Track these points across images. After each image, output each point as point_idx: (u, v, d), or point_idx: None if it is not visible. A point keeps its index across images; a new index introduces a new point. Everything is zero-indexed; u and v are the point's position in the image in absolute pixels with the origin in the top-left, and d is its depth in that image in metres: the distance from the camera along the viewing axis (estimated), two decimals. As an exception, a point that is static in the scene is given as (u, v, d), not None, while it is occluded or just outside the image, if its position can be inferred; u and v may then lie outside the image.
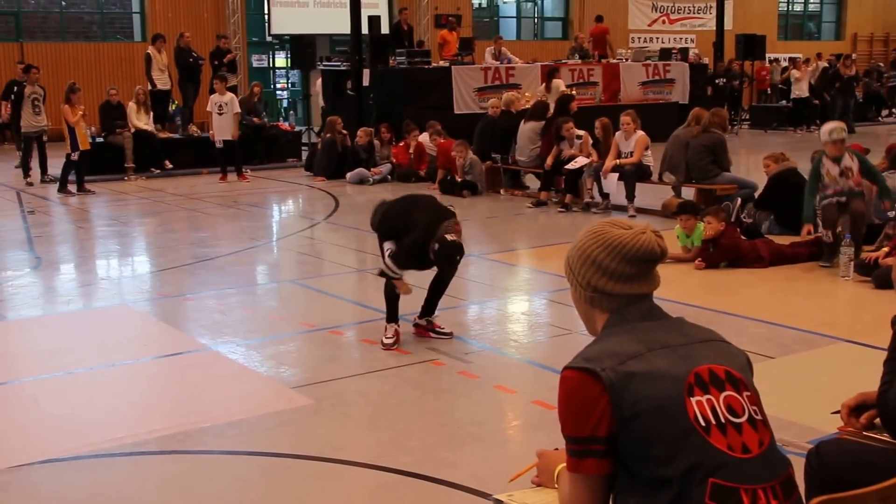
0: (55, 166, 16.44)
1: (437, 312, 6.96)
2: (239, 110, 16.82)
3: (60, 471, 4.70)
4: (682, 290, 8.17)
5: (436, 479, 4.43)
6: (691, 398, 2.31)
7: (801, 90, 25.78)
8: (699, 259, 8.97)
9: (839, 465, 2.98)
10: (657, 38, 35.22)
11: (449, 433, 5.04)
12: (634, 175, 12.09)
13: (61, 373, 6.27)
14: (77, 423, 5.37)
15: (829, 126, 8.97)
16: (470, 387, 5.81)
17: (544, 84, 19.48)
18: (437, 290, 6.87)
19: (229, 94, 16.79)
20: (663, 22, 37.02)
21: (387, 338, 6.66)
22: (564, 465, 2.45)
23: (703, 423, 2.28)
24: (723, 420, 2.31)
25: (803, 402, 5.43)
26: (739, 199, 10.77)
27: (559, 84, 19.33)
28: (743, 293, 8.21)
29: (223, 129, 16.74)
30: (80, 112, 15.32)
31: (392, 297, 6.72)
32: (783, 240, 9.58)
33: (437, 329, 6.91)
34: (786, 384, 5.86)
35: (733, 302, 7.78)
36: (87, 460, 4.80)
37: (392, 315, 6.75)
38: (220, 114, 16.66)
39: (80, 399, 5.80)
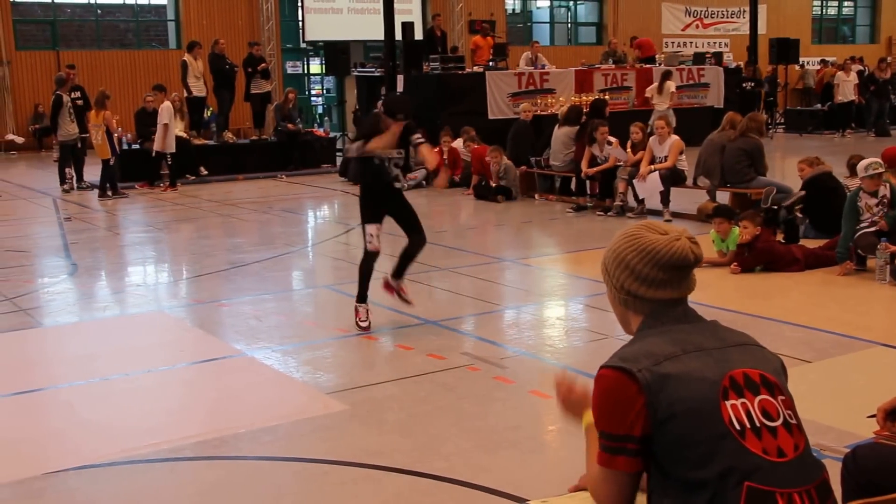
0: (91, 173, 16.63)
1: (404, 278, 7.49)
2: (167, 122, 16.47)
3: (96, 477, 4.71)
4: (717, 295, 8.10)
5: (471, 485, 4.41)
6: (726, 401, 2.30)
7: (844, 94, 25.48)
8: (735, 263, 8.90)
9: (875, 469, 2.95)
10: (691, 43, 35.05)
11: (484, 438, 5.01)
12: (669, 179, 12.02)
13: (97, 379, 6.30)
14: (113, 429, 5.38)
15: (865, 162, 8.86)
16: (506, 392, 5.78)
17: (656, 84, 19.74)
18: (405, 255, 7.41)
19: (166, 104, 16.60)
20: (697, 26, 36.86)
21: (361, 321, 7.18)
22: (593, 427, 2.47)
23: (738, 427, 2.28)
24: (758, 424, 2.31)
25: (840, 405, 5.36)
26: (775, 189, 10.67)
27: (670, 86, 19.50)
28: (779, 297, 8.13)
29: (157, 140, 16.59)
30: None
31: (366, 274, 7.20)
32: (818, 244, 9.49)
33: (402, 294, 7.45)
34: (822, 388, 5.80)
35: (769, 306, 7.70)
36: (123, 466, 4.82)
37: (363, 295, 7.21)
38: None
39: (115, 405, 5.82)
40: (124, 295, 8.99)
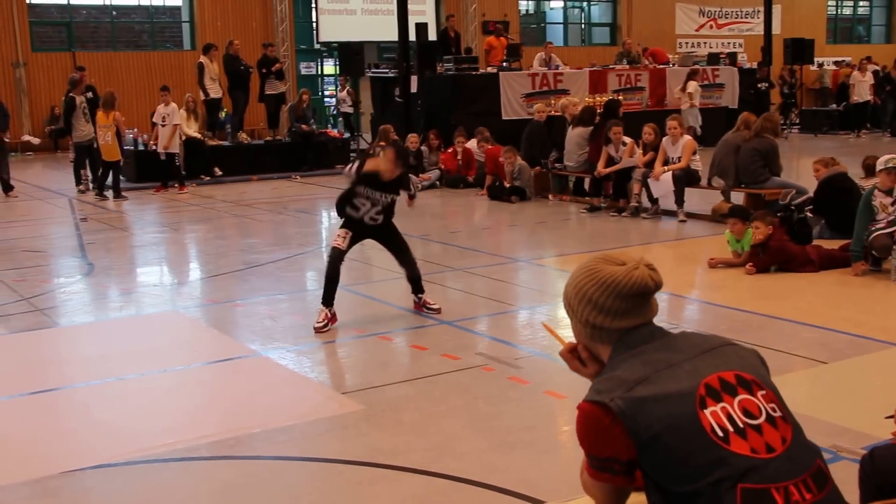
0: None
1: (424, 292, 7.75)
2: (178, 122, 16.65)
3: (112, 476, 4.73)
4: (733, 296, 8.10)
5: (486, 485, 4.41)
6: (704, 410, 2.32)
7: (860, 94, 25.41)
8: (750, 264, 8.88)
9: (893, 470, 2.94)
10: (705, 43, 34.98)
11: (499, 439, 5.01)
12: (683, 180, 12.00)
13: (113, 379, 6.32)
14: (128, 428, 5.40)
15: (885, 157, 8.83)
16: (520, 392, 5.78)
17: (683, 84, 20.38)
18: (410, 280, 7.69)
19: (172, 106, 16.71)
20: (711, 27, 36.79)
21: (317, 322, 7.24)
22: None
23: (720, 434, 2.30)
24: (741, 425, 2.32)
25: (856, 407, 5.35)
26: (795, 190, 10.63)
27: (693, 86, 19.71)
28: (794, 298, 8.11)
29: (164, 140, 16.70)
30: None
31: (330, 277, 7.31)
32: (833, 244, 9.46)
33: (428, 305, 7.68)
34: (838, 389, 5.79)
35: (784, 307, 7.68)
36: (139, 466, 4.83)
37: (329, 298, 7.31)
38: (164, 125, 16.68)
39: (131, 405, 5.84)
40: (140, 295, 9.02)
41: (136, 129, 18.73)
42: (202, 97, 18.85)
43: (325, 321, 7.25)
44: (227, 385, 6.28)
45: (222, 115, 20.80)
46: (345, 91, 24.00)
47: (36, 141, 25.42)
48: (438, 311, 7.62)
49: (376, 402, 5.63)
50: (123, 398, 5.96)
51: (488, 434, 5.09)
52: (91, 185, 16.84)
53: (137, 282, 9.80)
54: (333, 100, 31.40)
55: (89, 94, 16.85)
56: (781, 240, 9.00)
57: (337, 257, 7.41)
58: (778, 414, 2.39)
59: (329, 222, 14.00)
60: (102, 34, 27.97)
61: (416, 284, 7.71)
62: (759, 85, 24.33)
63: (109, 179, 16.11)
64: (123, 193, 16.09)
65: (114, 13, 28.05)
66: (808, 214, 10.13)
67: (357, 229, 7.51)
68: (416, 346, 6.83)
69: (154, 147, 16.96)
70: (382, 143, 7.63)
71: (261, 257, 10.42)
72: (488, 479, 4.46)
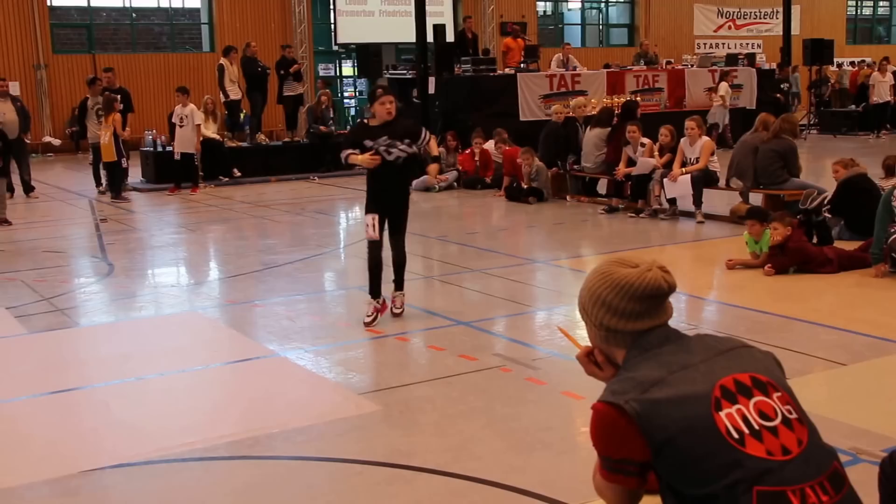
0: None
1: (402, 290, 7.68)
2: (199, 122, 16.75)
3: (131, 475, 4.76)
4: (751, 297, 8.07)
5: (504, 486, 4.41)
6: (720, 412, 2.33)
7: (880, 95, 25.29)
8: (768, 265, 8.85)
9: None
10: (723, 44, 34.89)
11: (517, 439, 5.02)
12: (701, 181, 11.97)
13: (132, 378, 6.35)
14: (147, 428, 5.43)
15: None
16: (537, 393, 5.79)
17: (716, 84, 20.75)
18: (393, 264, 7.61)
19: (190, 106, 16.78)
20: (729, 27, 36.70)
21: (367, 315, 7.39)
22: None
23: (736, 436, 2.30)
24: (756, 427, 2.32)
25: (876, 409, 5.32)
26: (816, 191, 10.57)
27: (724, 87, 19.87)
28: (813, 299, 8.08)
29: (183, 142, 16.76)
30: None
31: (372, 268, 7.43)
32: (853, 245, 9.42)
33: (393, 307, 7.62)
34: (858, 391, 5.77)
35: (803, 308, 7.65)
36: (158, 465, 4.86)
37: (373, 289, 7.43)
38: (182, 126, 16.74)
39: (150, 405, 5.87)
40: (159, 295, 9.06)
41: (154, 131, 18.80)
42: (222, 99, 18.93)
43: (375, 314, 7.43)
44: (245, 385, 6.31)
45: (241, 116, 20.87)
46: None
47: (56, 142, 25.53)
48: (398, 314, 7.58)
49: (394, 403, 5.65)
50: (143, 398, 5.99)
51: (506, 435, 5.10)
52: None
53: (156, 282, 9.85)
54: (352, 101, 31.51)
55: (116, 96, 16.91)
56: (800, 241, 8.97)
57: (375, 247, 7.45)
58: (794, 416, 2.39)
59: (347, 224, 14.03)
60: (122, 36, 28.11)
61: (395, 275, 7.60)
62: (782, 86, 24.27)
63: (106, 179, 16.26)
64: (124, 195, 16.15)
65: (134, 15, 28.19)
66: (827, 215, 10.08)
67: (379, 201, 7.41)
68: (434, 347, 6.84)
69: (171, 148, 17.09)
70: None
71: (279, 258, 10.45)
72: (506, 480, 4.46)
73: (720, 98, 21.29)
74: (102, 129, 15.94)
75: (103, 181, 16.99)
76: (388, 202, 7.46)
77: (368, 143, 7.32)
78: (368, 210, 7.45)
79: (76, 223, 13.96)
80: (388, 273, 7.60)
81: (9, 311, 8.22)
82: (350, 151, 7.39)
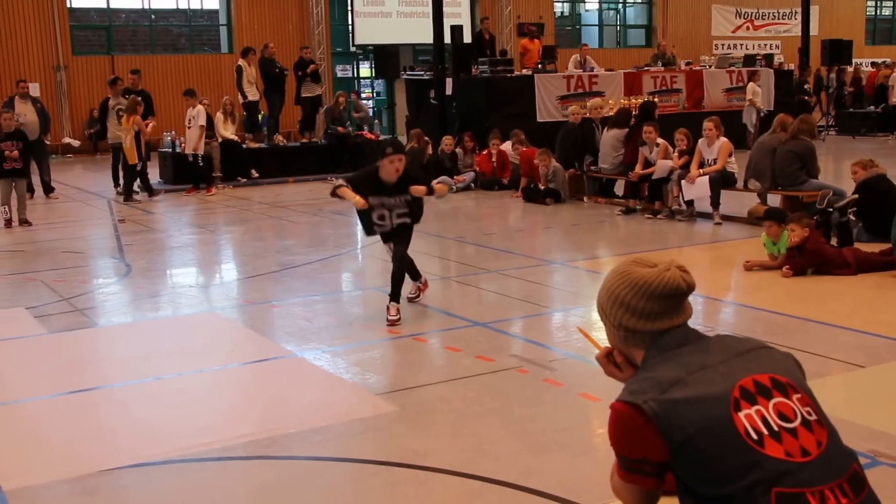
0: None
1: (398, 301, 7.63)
2: (203, 123, 16.82)
3: (149, 475, 4.78)
4: (769, 298, 8.05)
5: (521, 487, 4.41)
6: (739, 413, 2.31)
7: None
8: (786, 266, 8.82)
9: None
10: (741, 45, 34.78)
11: (534, 441, 5.02)
12: (719, 182, 11.94)
13: (150, 378, 6.38)
14: (165, 427, 5.45)
15: None
16: (554, 394, 5.78)
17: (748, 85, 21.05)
18: (392, 261, 7.69)
19: (198, 107, 16.89)
20: (747, 28, 36.59)
21: (391, 316, 7.45)
22: None
23: (755, 437, 2.29)
24: (776, 428, 2.31)
25: (894, 411, 5.30)
26: (831, 192, 10.54)
27: (752, 87, 19.90)
28: (831, 301, 8.05)
29: (190, 143, 16.94)
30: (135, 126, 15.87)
31: (398, 278, 7.55)
32: (872, 248, 9.38)
33: (389, 315, 7.53)
34: (877, 394, 5.74)
35: (822, 310, 7.63)
36: (176, 465, 4.88)
37: (395, 294, 7.54)
38: (189, 127, 16.85)
39: (168, 404, 5.89)
40: (177, 296, 9.10)
41: (173, 132, 18.89)
42: (240, 100, 19.00)
43: (417, 292, 8.03)
44: (262, 385, 6.33)
45: (259, 117, 20.95)
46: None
47: (76, 143, 25.73)
48: (395, 323, 7.45)
49: (410, 404, 5.66)
50: (161, 398, 6.02)
51: (522, 436, 5.10)
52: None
53: (174, 283, 9.89)
54: (370, 102, 31.57)
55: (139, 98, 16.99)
56: (818, 242, 8.93)
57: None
58: (813, 417, 2.37)
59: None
60: (141, 38, 28.24)
61: (396, 288, 7.57)
62: (805, 87, 24.19)
63: (128, 180, 16.37)
64: (136, 197, 16.28)
65: (153, 17, 28.32)
66: (851, 218, 10.04)
67: (383, 235, 7.78)
68: (451, 348, 6.84)
69: (183, 149, 17.25)
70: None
71: (296, 259, 10.48)
72: (523, 482, 4.46)
73: (748, 100, 21.36)
74: (123, 132, 16.03)
75: (121, 181, 17.08)
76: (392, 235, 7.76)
77: (372, 199, 7.50)
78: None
79: (95, 224, 14.03)
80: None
81: (29, 311, 8.27)
82: (343, 185, 7.61)
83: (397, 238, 7.68)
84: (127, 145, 15.90)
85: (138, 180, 16.43)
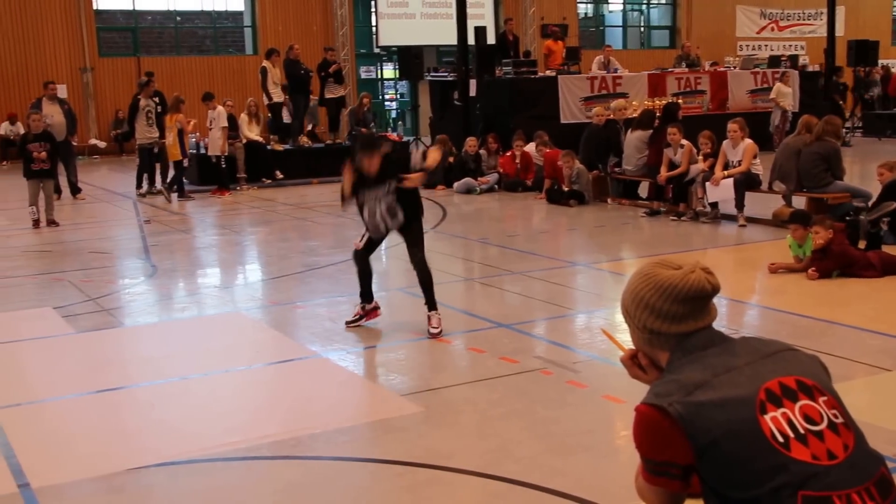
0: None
1: (436, 309, 7.37)
2: (225, 125, 16.90)
3: (175, 474, 4.82)
4: (795, 301, 8.01)
5: (545, 489, 4.42)
6: (764, 415, 2.30)
7: None
8: (812, 268, 8.78)
9: None
10: (766, 46, 34.60)
11: (558, 442, 5.03)
12: (744, 184, 11.89)
13: (176, 378, 6.43)
14: (191, 427, 5.50)
15: None
16: (578, 396, 5.79)
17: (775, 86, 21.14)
18: (422, 286, 7.36)
19: (218, 109, 16.97)
20: (772, 29, 36.39)
21: (433, 328, 7.21)
22: None
23: (780, 440, 2.27)
24: (802, 431, 2.29)
25: (923, 416, 5.27)
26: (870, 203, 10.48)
27: (780, 87, 19.96)
28: (857, 304, 8.00)
29: (212, 145, 17.04)
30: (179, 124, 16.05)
31: (358, 273, 7.48)
32: (897, 250, 9.33)
33: (430, 327, 7.27)
34: (905, 398, 5.71)
35: (847, 312, 7.59)
36: (201, 464, 4.91)
37: (362, 293, 7.52)
38: (210, 129, 16.96)
39: (193, 404, 5.94)
40: (202, 296, 9.16)
41: (198, 133, 19.00)
42: (265, 101, 19.08)
43: (359, 316, 7.56)
44: (287, 386, 6.36)
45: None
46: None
47: (102, 144, 25.92)
48: (437, 335, 7.20)
49: (435, 405, 5.67)
50: (186, 398, 6.06)
51: (546, 438, 5.10)
52: (152, 188, 17.10)
53: (200, 283, 9.94)
54: (394, 104, 31.63)
55: (157, 100, 17.09)
56: (843, 244, 8.89)
57: (358, 257, 7.62)
58: (840, 420, 2.36)
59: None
60: (167, 39, 28.41)
61: (425, 295, 7.33)
62: (841, 88, 24.07)
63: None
64: (188, 194, 16.53)
65: (178, 18, 28.48)
66: (883, 228, 9.95)
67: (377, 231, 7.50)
68: (475, 349, 6.85)
69: (204, 151, 17.42)
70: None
71: (321, 259, 10.52)
72: (546, 483, 4.47)
73: (775, 101, 21.31)
74: (166, 131, 16.25)
75: (144, 184, 17.19)
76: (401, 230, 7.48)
77: (360, 195, 7.37)
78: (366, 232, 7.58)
79: (121, 224, 14.13)
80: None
81: (56, 311, 8.35)
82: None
83: (409, 242, 7.44)
84: (170, 143, 16.08)
85: (171, 179, 16.60)
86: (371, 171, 7.17)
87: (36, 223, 13.38)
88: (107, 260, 11.04)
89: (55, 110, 16.41)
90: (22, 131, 18.50)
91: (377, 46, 30.43)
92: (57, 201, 14.81)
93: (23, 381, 6.53)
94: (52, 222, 13.42)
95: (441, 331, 7.22)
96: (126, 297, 9.09)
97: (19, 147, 14.61)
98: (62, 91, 20.48)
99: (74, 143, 17.80)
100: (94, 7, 26.71)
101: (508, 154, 16.69)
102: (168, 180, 16.65)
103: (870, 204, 10.52)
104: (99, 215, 15.07)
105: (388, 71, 31.74)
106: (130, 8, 27.66)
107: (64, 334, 7.66)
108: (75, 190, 16.80)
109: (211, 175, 17.32)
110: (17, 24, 25.43)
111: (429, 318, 7.30)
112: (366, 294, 7.55)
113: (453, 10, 19.73)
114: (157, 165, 17.10)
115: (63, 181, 16.42)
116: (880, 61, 28.48)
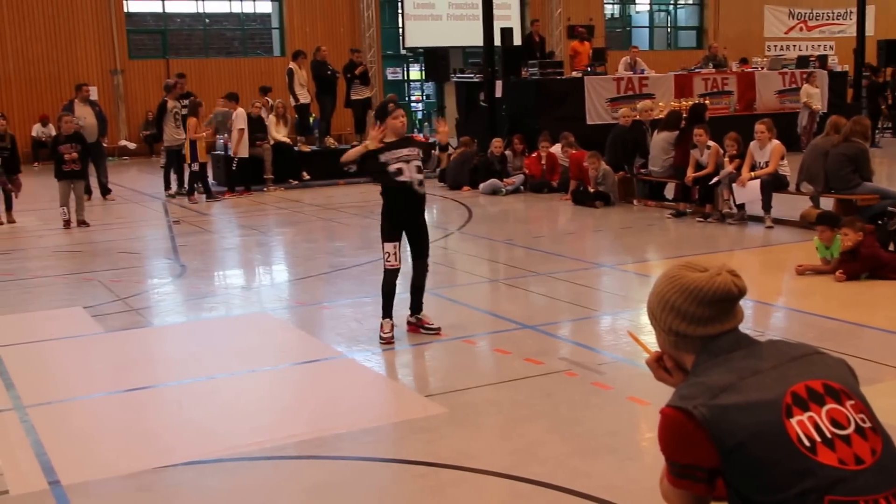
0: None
1: (423, 310, 7.43)
2: (242, 126, 17.00)
3: (202, 472, 4.87)
4: (822, 303, 7.98)
5: (570, 490, 4.43)
6: (791, 419, 2.29)
7: None
8: (840, 271, 8.73)
9: None
10: (794, 46, 34.36)
11: (582, 444, 5.04)
12: (771, 185, 11.84)
13: (203, 378, 6.49)
14: (218, 426, 5.54)
15: None
16: (603, 398, 5.79)
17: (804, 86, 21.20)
18: (414, 288, 7.40)
19: (238, 110, 17.11)
20: (801, 29, 36.13)
21: (384, 333, 7.15)
22: None
23: (807, 444, 2.26)
24: (829, 435, 2.28)
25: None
26: None
27: (807, 89, 19.97)
28: (885, 306, 7.96)
29: (232, 146, 17.28)
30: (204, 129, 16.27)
31: (387, 294, 7.24)
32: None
33: (426, 325, 7.35)
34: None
35: (875, 315, 7.55)
36: (228, 463, 4.96)
37: (387, 311, 7.25)
38: (230, 130, 17.14)
39: (221, 404, 5.99)
40: (229, 296, 9.22)
41: (226, 135, 19.09)
42: (292, 102, 19.16)
43: (391, 332, 7.22)
44: (313, 386, 6.40)
45: (311, 120, 21.08)
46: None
47: (132, 146, 26.12)
48: (437, 331, 7.32)
49: (459, 406, 5.69)
50: (213, 397, 6.11)
51: (571, 439, 5.12)
52: (180, 188, 17.21)
53: (227, 283, 10.02)
54: (420, 105, 31.66)
55: (185, 102, 17.20)
56: (872, 246, 8.83)
57: (393, 275, 7.32)
58: (867, 425, 2.34)
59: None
60: (195, 41, 28.57)
61: (416, 298, 7.41)
62: (886, 92, 23.94)
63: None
64: (215, 194, 16.71)
65: (207, 21, 28.63)
66: None
67: (397, 227, 7.37)
68: (500, 350, 6.87)
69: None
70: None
71: (347, 260, 10.57)
72: (571, 485, 4.48)
73: (803, 102, 21.20)
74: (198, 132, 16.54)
75: (172, 185, 17.32)
76: (411, 225, 7.39)
77: (383, 157, 7.23)
78: (389, 238, 7.32)
79: (150, 225, 14.24)
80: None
81: (86, 311, 8.43)
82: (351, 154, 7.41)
83: (421, 241, 7.45)
84: (200, 144, 16.34)
85: (198, 181, 16.73)
86: (401, 129, 7.29)
87: (67, 223, 13.51)
88: (136, 260, 11.13)
89: (87, 112, 16.53)
90: (53, 133, 18.67)
91: (403, 48, 30.47)
92: (87, 202, 14.94)
93: (53, 379, 6.60)
94: (82, 223, 13.54)
95: (439, 329, 7.34)
96: (155, 296, 9.18)
97: (51, 148, 14.77)
98: (93, 93, 20.62)
99: (105, 145, 17.95)
100: (125, 10, 26.90)
101: (534, 155, 16.68)
102: (196, 180, 16.78)
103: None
104: (128, 216, 15.19)
105: (415, 72, 31.77)
106: (160, 10, 27.85)
107: (93, 334, 7.74)
108: (105, 191, 16.93)
109: (238, 176, 17.42)
110: (49, 27, 25.64)
111: (422, 319, 7.41)
112: (391, 309, 7.35)
113: (480, 12, 19.72)
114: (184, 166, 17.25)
115: (94, 182, 16.58)
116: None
